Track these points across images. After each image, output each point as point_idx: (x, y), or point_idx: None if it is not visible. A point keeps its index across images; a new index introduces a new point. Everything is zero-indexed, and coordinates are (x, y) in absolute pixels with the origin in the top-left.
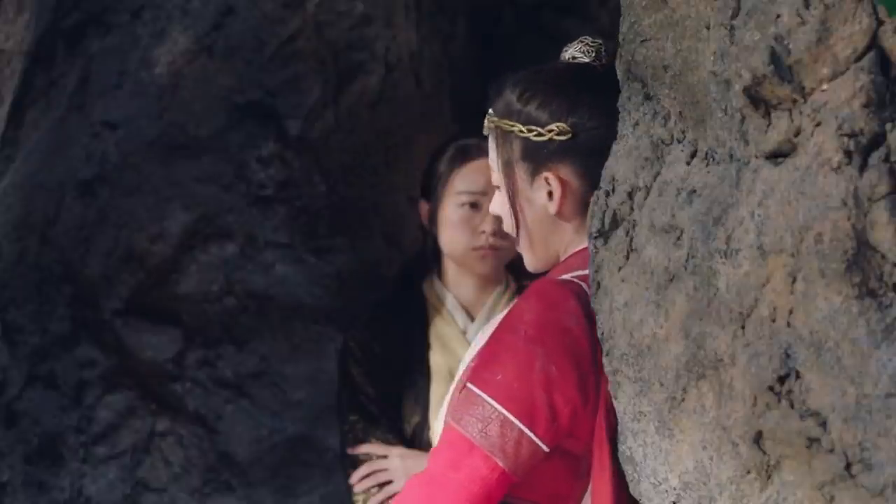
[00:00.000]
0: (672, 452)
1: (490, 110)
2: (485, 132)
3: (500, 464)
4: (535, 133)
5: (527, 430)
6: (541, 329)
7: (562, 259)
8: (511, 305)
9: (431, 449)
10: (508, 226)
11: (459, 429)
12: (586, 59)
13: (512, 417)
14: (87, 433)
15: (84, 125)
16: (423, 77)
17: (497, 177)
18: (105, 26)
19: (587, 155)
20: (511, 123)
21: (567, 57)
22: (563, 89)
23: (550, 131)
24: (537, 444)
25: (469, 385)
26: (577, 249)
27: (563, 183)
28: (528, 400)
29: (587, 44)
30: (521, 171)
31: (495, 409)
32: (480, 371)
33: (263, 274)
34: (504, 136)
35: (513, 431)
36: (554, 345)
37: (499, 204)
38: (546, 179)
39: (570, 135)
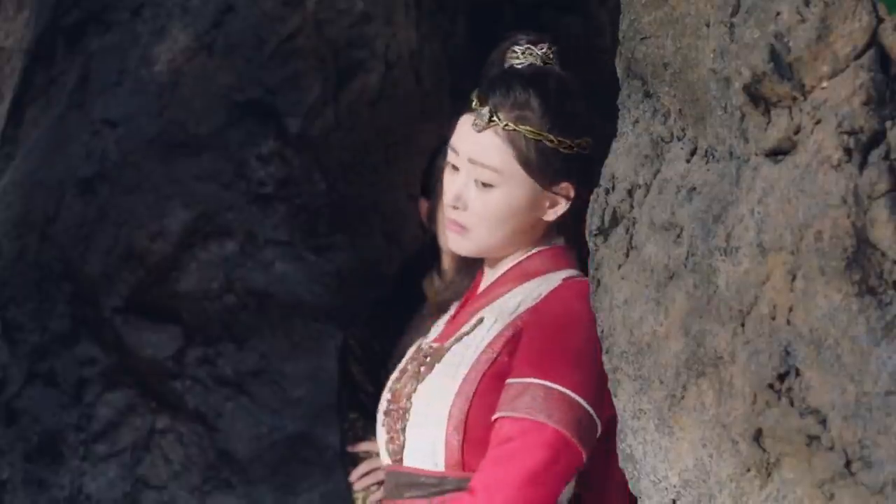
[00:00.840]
0: (672, 450)
1: (492, 109)
2: (480, 129)
3: (585, 459)
4: (564, 146)
5: (599, 427)
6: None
7: (518, 257)
8: (545, 302)
9: (511, 444)
10: (473, 216)
11: (553, 425)
12: (557, 68)
13: (595, 416)
14: (87, 431)
15: (84, 123)
16: (423, 75)
17: (490, 175)
18: (105, 24)
19: (591, 168)
20: (537, 132)
21: (538, 61)
22: (581, 103)
23: (579, 146)
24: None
25: (550, 384)
26: (539, 250)
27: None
28: (600, 398)
29: (555, 50)
30: (537, 176)
31: (584, 408)
32: (561, 370)
33: (263, 272)
34: (526, 141)
35: (596, 428)
36: None
37: (461, 196)
38: (563, 189)
39: (590, 149)
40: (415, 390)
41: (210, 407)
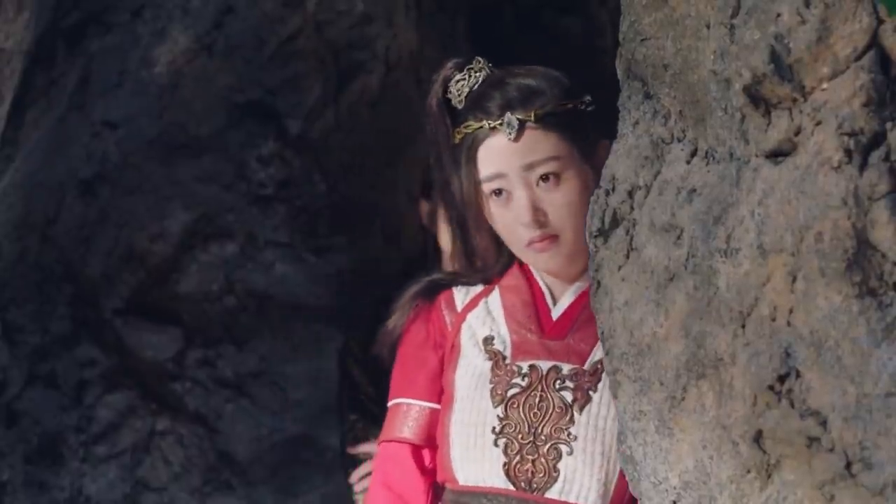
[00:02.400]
0: (672, 452)
1: (516, 113)
2: (515, 137)
3: None
4: (583, 104)
5: None
6: None
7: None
8: None
9: None
10: (557, 214)
11: None
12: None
13: None
14: (88, 432)
15: (84, 124)
16: (423, 76)
17: (553, 164)
18: (105, 25)
19: (608, 117)
20: (560, 104)
21: (488, 68)
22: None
23: (588, 103)
24: None
25: None
26: None
27: None
28: None
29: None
30: (581, 143)
31: None
32: None
33: (263, 273)
34: (556, 118)
35: None
36: None
37: (538, 207)
38: (601, 150)
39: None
40: (571, 421)
41: (210, 409)
